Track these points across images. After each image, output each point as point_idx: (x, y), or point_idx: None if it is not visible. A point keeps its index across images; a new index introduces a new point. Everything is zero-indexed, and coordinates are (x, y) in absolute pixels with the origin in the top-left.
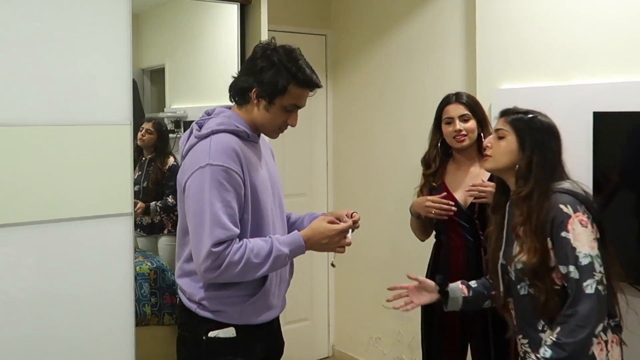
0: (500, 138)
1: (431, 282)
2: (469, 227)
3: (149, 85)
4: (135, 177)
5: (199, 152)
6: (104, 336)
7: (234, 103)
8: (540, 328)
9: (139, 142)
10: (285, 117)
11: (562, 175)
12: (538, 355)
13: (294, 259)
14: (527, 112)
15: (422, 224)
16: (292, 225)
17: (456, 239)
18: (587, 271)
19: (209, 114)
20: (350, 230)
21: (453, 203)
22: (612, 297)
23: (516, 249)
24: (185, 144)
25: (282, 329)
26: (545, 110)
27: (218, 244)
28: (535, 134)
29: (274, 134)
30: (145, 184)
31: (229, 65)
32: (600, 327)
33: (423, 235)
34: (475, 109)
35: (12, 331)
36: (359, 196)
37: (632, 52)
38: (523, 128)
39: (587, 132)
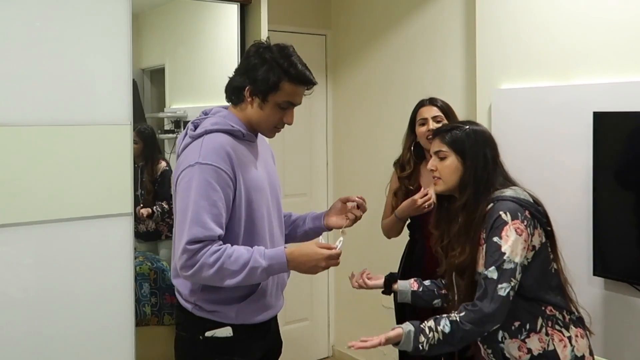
0: (442, 159)
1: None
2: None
3: (149, 85)
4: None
5: (190, 151)
6: (104, 336)
7: (230, 103)
8: (499, 339)
9: None
10: (281, 115)
11: (504, 182)
12: (438, 325)
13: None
14: (457, 126)
15: (401, 225)
16: (292, 223)
17: (431, 240)
18: (506, 275)
19: (206, 113)
20: (340, 241)
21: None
22: (565, 295)
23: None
24: (181, 143)
25: (282, 329)
26: (545, 110)
27: (194, 242)
28: (471, 147)
29: (269, 132)
30: (141, 192)
31: (229, 65)
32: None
33: (397, 234)
34: (448, 112)
35: (12, 331)
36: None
37: (632, 52)
38: (459, 144)
39: (587, 132)
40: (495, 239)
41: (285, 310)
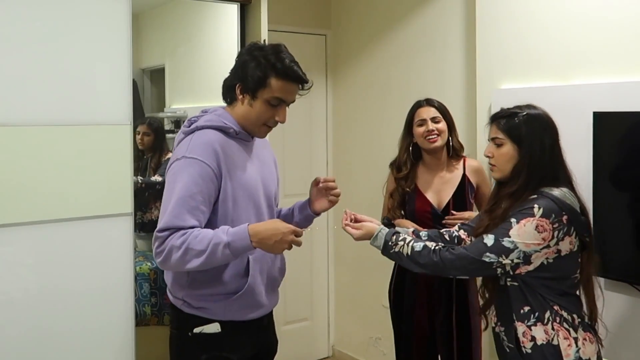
0: (498, 146)
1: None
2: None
3: (149, 85)
4: (139, 172)
5: (180, 146)
6: (104, 336)
7: (226, 104)
8: (514, 318)
9: (139, 146)
10: (272, 112)
11: (557, 177)
12: (414, 242)
13: (294, 266)
14: (516, 112)
15: None
16: (283, 219)
17: None
18: (498, 249)
19: (205, 112)
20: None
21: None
22: (579, 303)
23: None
24: (176, 139)
25: (282, 329)
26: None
27: (164, 229)
28: (529, 134)
29: (259, 130)
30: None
31: (229, 65)
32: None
33: None
34: (445, 112)
35: (12, 331)
36: (359, 196)
37: (632, 52)
38: (515, 131)
39: (587, 132)
40: (513, 220)
41: (285, 310)
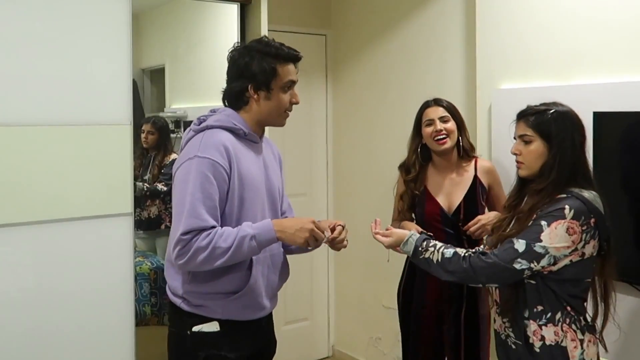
0: (527, 143)
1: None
2: (453, 233)
3: (149, 85)
4: (142, 169)
5: (191, 145)
6: (104, 336)
7: (232, 109)
8: (525, 316)
9: (144, 144)
10: (287, 97)
11: (584, 179)
12: (445, 248)
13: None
14: (545, 110)
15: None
16: None
17: None
18: (530, 255)
19: (213, 111)
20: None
21: None
22: (584, 302)
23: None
24: (185, 138)
25: (282, 329)
26: None
27: (188, 232)
28: (560, 131)
29: (282, 119)
30: (149, 176)
31: None
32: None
33: None
34: (454, 112)
35: (12, 331)
36: (359, 196)
37: (632, 52)
38: (545, 128)
39: (587, 132)
40: (543, 223)
41: (285, 310)
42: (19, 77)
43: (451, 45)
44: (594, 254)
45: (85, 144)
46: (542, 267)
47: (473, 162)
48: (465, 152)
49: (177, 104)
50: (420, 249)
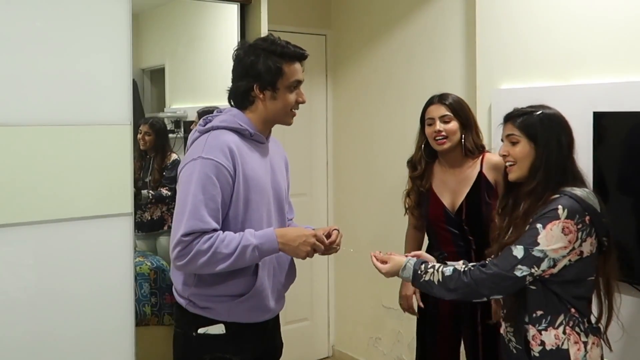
0: (514, 144)
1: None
2: (458, 233)
3: (149, 85)
4: (142, 172)
5: (195, 146)
6: (104, 336)
7: (238, 109)
8: (526, 320)
9: (141, 146)
10: (294, 96)
11: (574, 179)
12: (443, 267)
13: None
14: (531, 111)
15: (419, 238)
16: None
17: (446, 245)
18: (529, 260)
19: (220, 112)
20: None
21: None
22: (588, 303)
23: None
24: (191, 138)
25: (282, 329)
26: None
27: (189, 234)
28: (545, 131)
29: (289, 118)
30: (150, 178)
31: (229, 65)
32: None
33: (415, 248)
34: (458, 110)
35: (12, 331)
36: (359, 196)
37: (632, 52)
38: (531, 128)
39: (587, 132)
40: (539, 225)
41: (285, 310)
42: (19, 77)
43: (451, 45)
44: (593, 252)
45: (85, 144)
46: (543, 270)
47: (480, 157)
48: (469, 151)
49: (177, 104)
50: (419, 272)
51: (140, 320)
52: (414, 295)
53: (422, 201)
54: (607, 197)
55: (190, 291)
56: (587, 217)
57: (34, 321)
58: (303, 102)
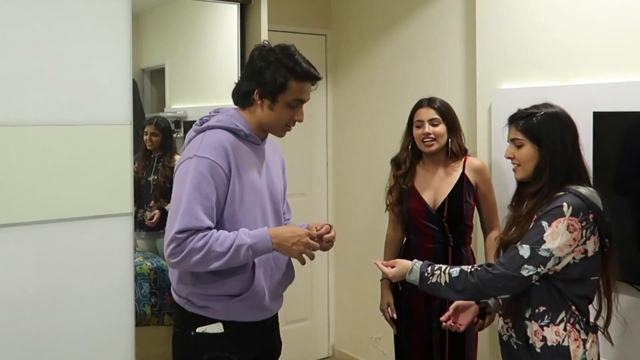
0: (519, 147)
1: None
2: (438, 230)
3: (149, 85)
4: (146, 172)
5: (191, 145)
6: (104, 336)
7: (238, 107)
8: (527, 316)
9: (148, 146)
10: (291, 113)
11: (579, 177)
12: (450, 269)
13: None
14: (534, 113)
15: (398, 240)
16: None
17: (425, 240)
18: (536, 260)
19: (217, 112)
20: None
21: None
22: (589, 301)
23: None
24: (187, 137)
25: (282, 329)
26: None
27: (183, 231)
28: (549, 133)
29: (281, 132)
30: (155, 177)
31: (229, 65)
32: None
33: (394, 250)
34: (445, 114)
35: (12, 331)
36: (359, 196)
37: (632, 52)
38: (535, 131)
39: (587, 132)
40: (544, 223)
41: (285, 310)
42: (19, 77)
43: (451, 45)
44: (597, 251)
45: (86, 144)
46: (548, 269)
47: (463, 160)
48: (454, 154)
49: (177, 104)
50: (426, 274)
51: (140, 320)
52: (389, 308)
53: (403, 198)
54: (607, 197)
55: (188, 290)
56: (591, 215)
57: (34, 321)
58: (300, 121)
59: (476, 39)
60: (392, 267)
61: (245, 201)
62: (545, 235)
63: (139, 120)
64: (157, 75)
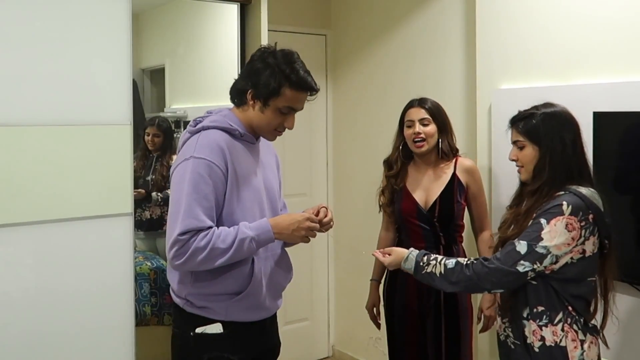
0: (521, 148)
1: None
2: (429, 229)
3: (149, 85)
4: (144, 171)
5: (187, 146)
6: (104, 336)
7: (233, 104)
8: (524, 316)
9: (149, 147)
10: (281, 119)
11: (580, 176)
12: (445, 260)
13: (294, 266)
14: (533, 113)
15: (391, 240)
16: None
17: (416, 240)
18: (532, 256)
19: (210, 113)
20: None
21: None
22: (587, 302)
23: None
24: (181, 139)
25: (282, 329)
26: None
27: (186, 232)
28: (548, 133)
29: (270, 135)
30: (153, 176)
31: (229, 65)
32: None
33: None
34: (436, 114)
35: (12, 331)
36: (358, 196)
37: (632, 52)
38: (533, 132)
39: (587, 132)
40: (543, 221)
41: (285, 310)
42: (19, 77)
43: (451, 46)
44: (595, 252)
45: (85, 144)
46: (545, 267)
47: (454, 160)
48: (444, 154)
49: (177, 104)
50: (421, 264)
51: (140, 320)
52: (374, 309)
53: (395, 199)
54: (607, 197)
55: (188, 291)
56: (591, 216)
57: (33, 321)
58: (289, 129)
59: (476, 39)
60: (389, 255)
61: (243, 200)
62: (543, 232)
63: (139, 120)
64: (157, 75)
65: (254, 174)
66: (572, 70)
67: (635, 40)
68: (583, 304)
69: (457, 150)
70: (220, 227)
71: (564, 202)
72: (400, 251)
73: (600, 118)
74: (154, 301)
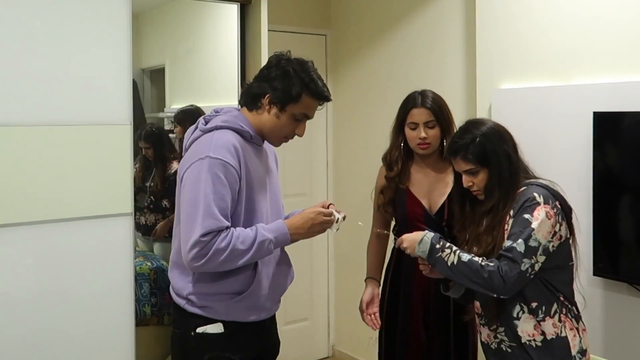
0: (474, 174)
1: None
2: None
3: (149, 85)
4: (143, 174)
5: (200, 145)
6: (104, 336)
7: (243, 107)
8: (515, 316)
9: (148, 157)
10: (294, 126)
11: (526, 173)
12: (460, 252)
13: (294, 266)
14: (473, 138)
15: (382, 247)
16: None
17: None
18: (530, 252)
19: (217, 112)
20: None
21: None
22: (570, 288)
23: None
24: (190, 137)
25: (282, 329)
26: (545, 110)
27: (207, 234)
28: (492, 151)
29: (278, 141)
30: (151, 184)
31: (229, 65)
32: (554, 308)
33: (377, 259)
34: (439, 114)
35: (12, 331)
36: (359, 196)
37: (632, 52)
38: (482, 155)
39: (587, 132)
40: (527, 215)
41: (285, 310)
42: (19, 77)
43: (451, 46)
44: (568, 236)
45: (85, 144)
46: (538, 261)
47: None
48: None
49: (177, 104)
50: (437, 246)
51: (140, 320)
52: (370, 307)
53: (397, 201)
54: (607, 197)
55: (188, 290)
56: (557, 202)
57: (34, 321)
58: (300, 136)
59: (476, 39)
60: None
61: (253, 201)
62: (533, 224)
63: (139, 120)
64: (157, 75)
65: (262, 175)
66: (572, 70)
67: (635, 40)
68: (570, 290)
69: None
70: (238, 228)
71: (535, 194)
72: (414, 234)
73: (600, 118)
74: (154, 301)
